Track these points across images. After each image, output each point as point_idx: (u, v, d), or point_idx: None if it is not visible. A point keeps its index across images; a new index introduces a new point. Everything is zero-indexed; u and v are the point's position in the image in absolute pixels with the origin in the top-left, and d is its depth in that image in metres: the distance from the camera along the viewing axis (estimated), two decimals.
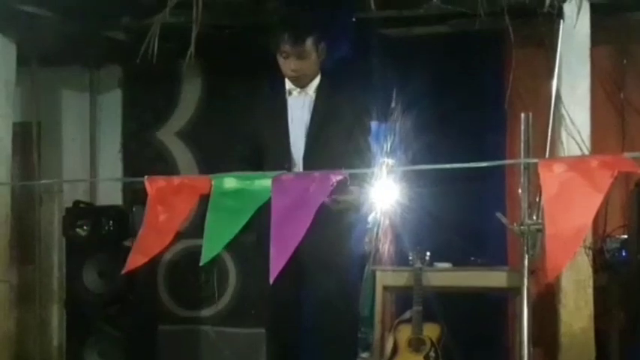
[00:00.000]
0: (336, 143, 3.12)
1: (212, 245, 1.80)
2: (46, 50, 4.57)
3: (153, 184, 1.92)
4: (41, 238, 4.90)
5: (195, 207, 1.94)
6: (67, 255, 4.54)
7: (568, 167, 1.72)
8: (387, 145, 4.22)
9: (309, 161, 3.12)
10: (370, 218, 4.14)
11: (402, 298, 4.23)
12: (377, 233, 4.20)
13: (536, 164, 1.89)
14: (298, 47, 3.06)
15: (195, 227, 2.00)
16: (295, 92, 3.21)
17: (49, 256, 4.92)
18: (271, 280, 1.69)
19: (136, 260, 1.92)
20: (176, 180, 1.92)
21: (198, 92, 4.92)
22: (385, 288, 4.16)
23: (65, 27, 4.11)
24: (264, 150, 3.24)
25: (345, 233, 3.33)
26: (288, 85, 3.21)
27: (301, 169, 3.10)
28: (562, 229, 1.67)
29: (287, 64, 3.10)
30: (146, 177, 1.96)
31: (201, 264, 1.79)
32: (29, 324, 4.88)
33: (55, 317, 4.90)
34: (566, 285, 3.70)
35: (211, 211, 1.83)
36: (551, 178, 1.71)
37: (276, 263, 1.71)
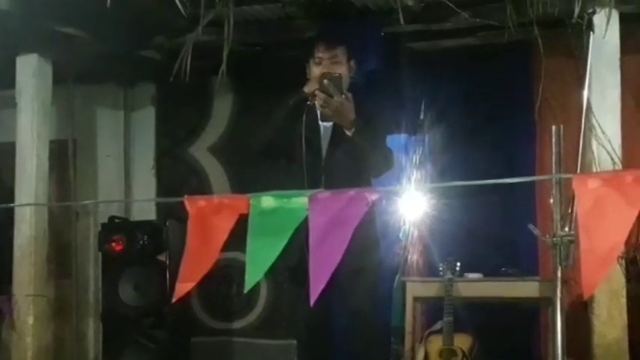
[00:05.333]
0: (357, 146, 3.20)
1: (255, 270, 1.81)
2: (82, 69, 4.66)
3: (193, 205, 1.96)
4: (77, 252, 4.98)
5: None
6: (103, 269, 4.61)
7: (603, 182, 1.72)
8: (416, 158, 4.23)
9: (330, 166, 3.23)
10: (401, 229, 4.17)
11: (433, 308, 4.22)
12: (407, 244, 4.22)
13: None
14: (331, 51, 3.27)
15: (227, 240, 2.03)
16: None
17: (85, 271, 4.99)
18: (312, 303, 1.68)
19: (183, 287, 1.94)
20: (215, 200, 1.96)
21: (229, 108, 4.97)
22: (415, 299, 4.15)
23: (100, 47, 4.19)
24: (294, 160, 3.32)
25: (376, 244, 3.37)
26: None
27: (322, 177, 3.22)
28: (597, 245, 1.68)
29: (320, 69, 3.26)
30: (185, 197, 2.01)
31: (245, 291, 1.80)
32: (66, 337, 4.95)
33: (92, 330, 4.97)
34: (600, 295, 3.66)
35: (251, 235, 1.84)
36: (586, 193, 1.71)
37: (316, 284, 1.71)
